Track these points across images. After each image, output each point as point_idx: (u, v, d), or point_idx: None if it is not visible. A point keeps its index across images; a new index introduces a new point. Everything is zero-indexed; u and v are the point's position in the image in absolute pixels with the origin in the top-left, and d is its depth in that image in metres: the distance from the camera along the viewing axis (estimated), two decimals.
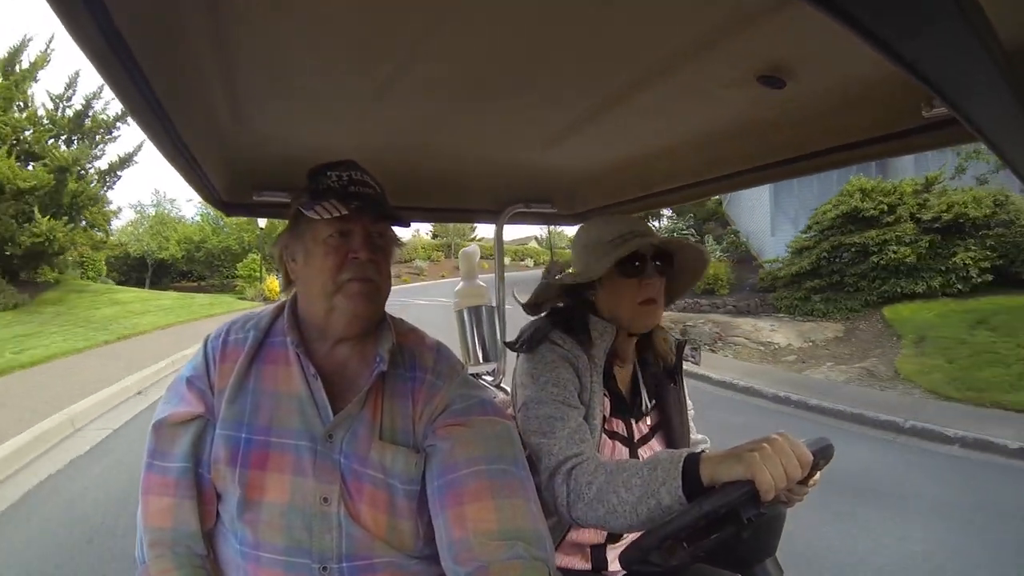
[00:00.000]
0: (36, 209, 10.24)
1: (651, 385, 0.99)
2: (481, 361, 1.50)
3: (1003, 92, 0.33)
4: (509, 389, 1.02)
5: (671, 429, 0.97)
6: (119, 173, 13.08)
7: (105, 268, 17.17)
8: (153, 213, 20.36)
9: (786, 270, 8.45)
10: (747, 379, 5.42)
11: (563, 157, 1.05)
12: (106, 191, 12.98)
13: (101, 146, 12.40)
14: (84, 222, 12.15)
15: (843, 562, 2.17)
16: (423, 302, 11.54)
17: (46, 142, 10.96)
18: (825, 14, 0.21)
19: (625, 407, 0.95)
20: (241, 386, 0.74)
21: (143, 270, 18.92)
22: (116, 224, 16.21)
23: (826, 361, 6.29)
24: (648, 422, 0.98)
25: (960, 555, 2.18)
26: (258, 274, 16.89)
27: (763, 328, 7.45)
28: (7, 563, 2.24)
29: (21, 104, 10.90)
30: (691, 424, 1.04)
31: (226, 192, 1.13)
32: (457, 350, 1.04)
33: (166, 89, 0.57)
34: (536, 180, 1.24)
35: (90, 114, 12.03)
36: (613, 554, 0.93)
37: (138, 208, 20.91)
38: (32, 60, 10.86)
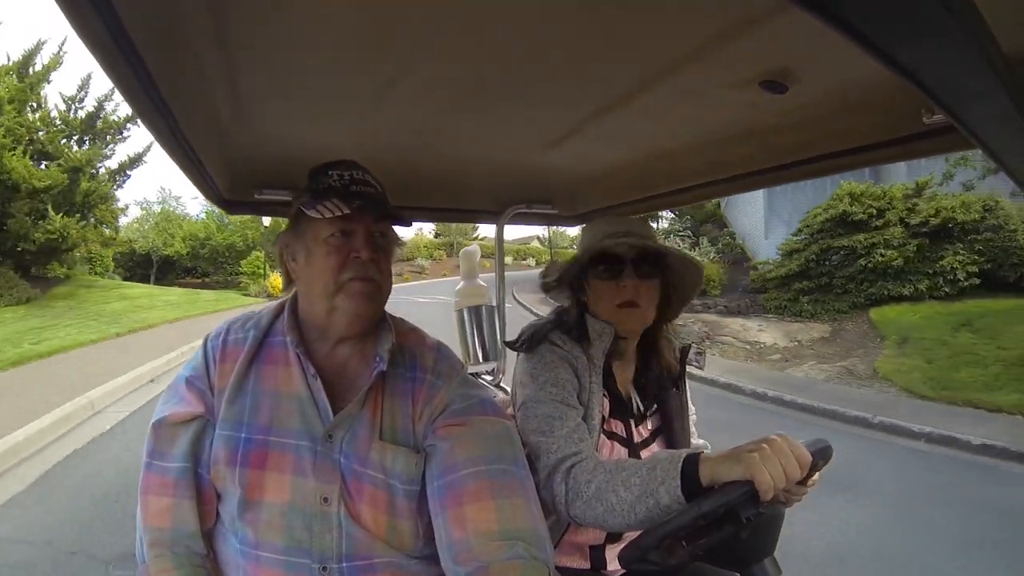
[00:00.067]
0: (50, 207, 10.50)
1: (653, 389, 0.98)
2: (481, 360, 1.50)
3: (1003, 100, 0.33)
4: (509, 389, 1.02)
5: (672, 433, 0.96)
6: (128, 172, 13.39)
7: (112, 264, 17.51)
8: (159, 210, 20.54)
9: (776, 272, 8.55)
10: (729, 376, 5.53)
11: (564, 158, 1.05)
12: (116, 190, 13.43)
13: (112, 146, 12.72)
14: (93, 219, 12.60)
15: (793, 536, 2.36)
16: (424, 300, 11.88)
17: (59, 142, 11.30)
18: (824, 23, 0.21)
19: (624, 408, 0.94)
20: (241, 386, 0.73)
21: (148, 266, 19.05)
22: (122, 221, 16.58)
23: (809, 360, 6.38)
24: (649, 426, 0.96)
25: (898, 534, 2.48)
26: (262, 271, 17.20)
27: (751, 328, 7.58)
28: (51, 513, 2.64)
29: (34, 105, 11.33)
30: (693, 429, 1.03)
31: (228, 190, 1.13)
32: (457, 349, 1.04)
33: (170, 87, 0.57)
34: (537, 181, 1.24)
35: (101, 115, 12.46)
36: (612, 554, 0.92)
37: (144, 205, 21.16)
38: (45, 63, 11.13)
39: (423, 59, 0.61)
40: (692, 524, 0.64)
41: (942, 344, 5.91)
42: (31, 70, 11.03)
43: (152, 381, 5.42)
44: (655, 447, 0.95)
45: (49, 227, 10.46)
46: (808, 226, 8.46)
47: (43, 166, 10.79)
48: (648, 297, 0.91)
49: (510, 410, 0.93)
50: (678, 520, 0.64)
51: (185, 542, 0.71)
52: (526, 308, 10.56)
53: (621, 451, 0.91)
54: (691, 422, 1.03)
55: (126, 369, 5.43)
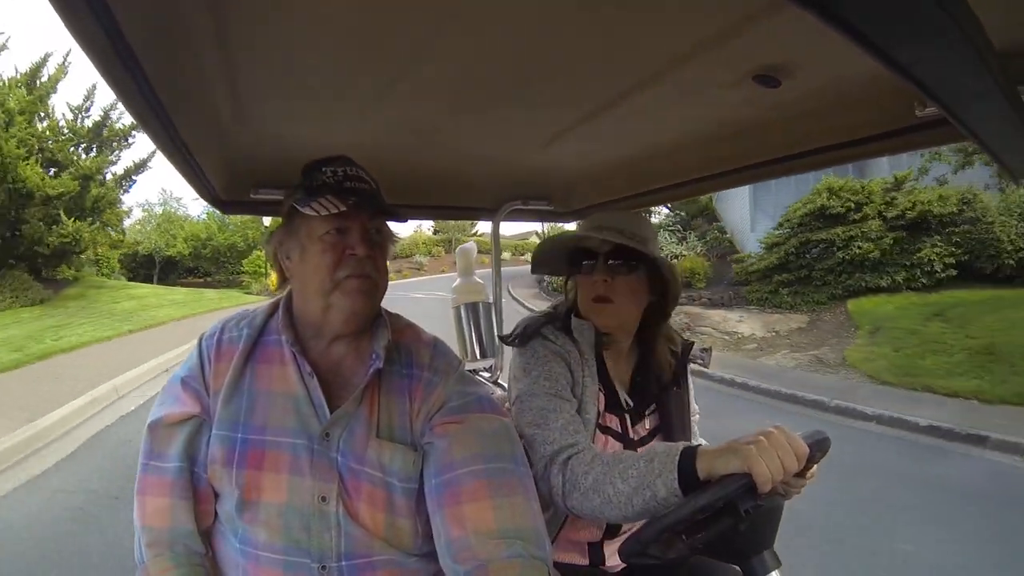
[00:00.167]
0: (62, 212, 10.84)
1: (651, 387, 0.96)
2: (478, 357, 1.50)
3: (995, 95, 0.33)
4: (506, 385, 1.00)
5: (671, 432, 0.94)
6: (134, 177, 13.82)
7: (118, 265, 17.69)
8: (160, 212, 20.77)
9: (758, 265, 8.67)
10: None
11: (560, 155, 1.04)
12: (122, 194, 13.96)
13: (117, 152, 13.15)
14: (99, 223, 13.21)
15: None
16: (420, 295, 12.34)
17: (68, 151, 11.56)
18: (824, 22, 0.21)
19: (619, 403, 0.92)
20: (236, 386, 0.72)
21: (151, 267, 19.23)
22: (126, 223, 17.06)
23: (782, 349, 6.54)
24: (647, 424, 0.95)
25: (834, 504, 2.69)
26: (263, 270, 17.57)
27: (731, 319, 7.72)
28: (96, 470, 3.28)
29: (42, 115, 11.67)
30: (695, 428, 1.01)
31: (224, 190, 1.10)
32: (454, 346, 1.03)
33: (166, 88, 0.56)
34: (533, 178, 1.23)
35: (107, 124, 12.97)
36: (610, 550, 0.91)
37: (146, 207, 21.29)
38: (51, 73, 11.27)
39: (423, 59, 0.61)
40: (691, 517, 0.64)
41: (912, 333, 6.04)
42: (38, 82, 11.21)
43: (166, 371, 5.91)
44: (654, 445, 0.93)
45: (63, 231, 10.82)
46: (788, 220, 8.56)
47: (52, 173, 11.02)
48: (623, 293, 0.89)
49: (507, 406, 0.92)
50: (677, 514, 0.64)
51: (184, 541, 0.70)
52: (520, 303, 10.73)
53: (616, 446, 0.90)
54: (694, 421, 1.01)
55: (142, 361, 5.94)
